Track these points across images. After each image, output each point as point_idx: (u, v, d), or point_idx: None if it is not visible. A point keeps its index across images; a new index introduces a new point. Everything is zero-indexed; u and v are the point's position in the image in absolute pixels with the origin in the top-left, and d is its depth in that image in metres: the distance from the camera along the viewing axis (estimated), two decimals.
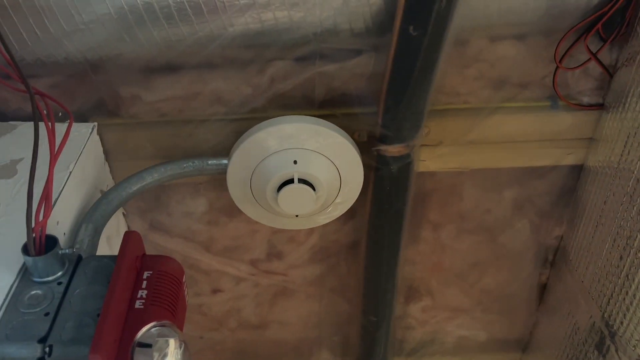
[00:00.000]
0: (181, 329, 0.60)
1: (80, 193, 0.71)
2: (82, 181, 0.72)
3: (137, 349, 0.52)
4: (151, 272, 0.59)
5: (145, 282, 0.58)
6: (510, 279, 1.01)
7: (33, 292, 0.54)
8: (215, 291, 0.98)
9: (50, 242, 0.55)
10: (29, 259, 0.53)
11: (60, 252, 0.55)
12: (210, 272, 0.95)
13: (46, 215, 0.53)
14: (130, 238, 0.59)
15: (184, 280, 0.62)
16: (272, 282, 0.98)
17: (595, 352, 0.86)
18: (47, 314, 0.52)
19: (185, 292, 0.63)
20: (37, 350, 0.49)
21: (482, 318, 1.07)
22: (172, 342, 0.54)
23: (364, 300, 1.01)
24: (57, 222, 0.63)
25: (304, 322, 1.06)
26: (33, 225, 0.52)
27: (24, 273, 0.55)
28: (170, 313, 0.57)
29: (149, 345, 0.53)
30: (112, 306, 0.51)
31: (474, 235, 0.96)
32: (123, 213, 0.88)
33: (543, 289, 1.03)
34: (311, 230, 0.93)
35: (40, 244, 0.54)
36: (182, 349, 0.55)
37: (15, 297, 0.53)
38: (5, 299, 0.52)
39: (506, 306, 1.05)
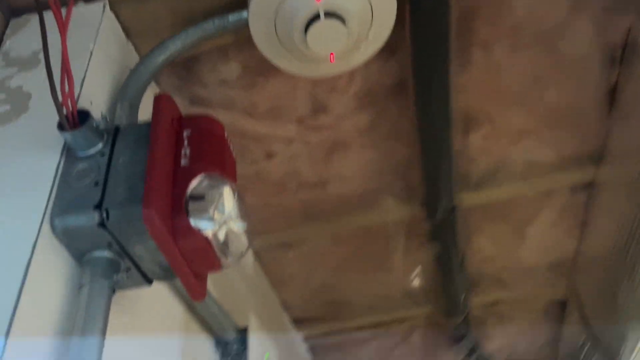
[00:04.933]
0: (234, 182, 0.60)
1: (108, 73, 0.69)
2: (106, 61, 0.70)
3: (191, 203, 0.52)
4: (191, 130, 0.58)
5: (186, 141, 0.57)
6: (576, 88, 0.93)
7: (80, 166, 0.54)
8: (269, 156, 0.97)
9: (84, 116, 0.54)
10: (67, 135, 0.53)
11: (95, 124, 0.54)
12: (259, 137, 0.94)
13: (70, 87, 0.51)
14: (160, 100, 0.58)
15: (225, 134, 0.61)
16: (323, 137, 0.96)
17: None
18: (97, 184, 0.52)
19: (231, 147, 0.62)
20: (95, 216, 0.50)
21: (548, 137, 1.01)
22: (225, 190, 0.54)
23: (420, 140, 0.98)
24: (91, 102, 0.62)
25: (363, 173, 1.05)
26: (60, 99, 0.51)
27: (68, 151, 0.55)
28: (217, 166, 0.56)
29: (201, 197, 0.52)
30: (156, 163, 0.51)
31: (530, 48, 0.88)
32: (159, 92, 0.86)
33: (613, 94, 0.94)
34: (352, 76, 0.88)
35: (74, 118, 0.53)
36: (236, 196, 0.55)
37: (64, 174, 0.53)
38: (55, 177, 0.53)
39: (574, 119, 0.98)
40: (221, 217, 0.52)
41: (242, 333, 0.88)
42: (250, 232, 0.57)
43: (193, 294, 0.57)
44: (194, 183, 0.52)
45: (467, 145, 1.02)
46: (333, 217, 1.15)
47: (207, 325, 0.84)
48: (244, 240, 0.56)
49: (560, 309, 1.54)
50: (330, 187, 1.07)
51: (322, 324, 1.49)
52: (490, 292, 1.45)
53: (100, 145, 0.55)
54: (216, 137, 0.58)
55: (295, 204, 1.09)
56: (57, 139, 0.55)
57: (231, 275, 1.04)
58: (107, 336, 0.57)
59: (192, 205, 0.52)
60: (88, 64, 0.64)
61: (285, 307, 1.40)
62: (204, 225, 0.51)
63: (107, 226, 0.50)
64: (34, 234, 0.48)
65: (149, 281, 0.58)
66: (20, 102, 0.62)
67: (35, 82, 0.64)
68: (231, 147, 0.62)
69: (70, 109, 0.53)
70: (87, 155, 0.55)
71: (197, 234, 0.51)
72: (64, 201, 0.51)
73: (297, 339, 1.49)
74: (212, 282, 0.92)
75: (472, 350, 1.61)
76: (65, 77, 0.51)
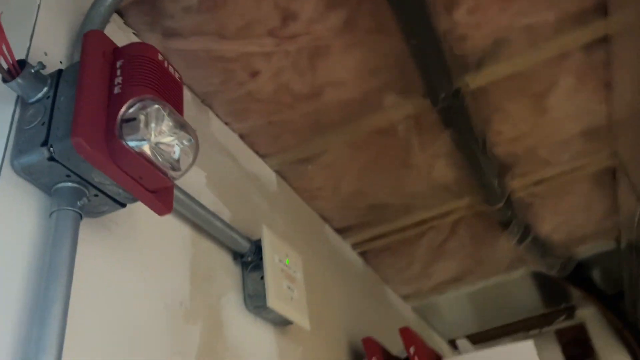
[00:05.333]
0: (178, 108, 0.63)
1: (61, 23, 0.74)
2: (59, 11, 0.74)
3: (124, 126, 0.56)
4: (123, 60, 0.61)
5: (119, 70, 0.60)
6: None
7: (30, 111, 0.60)
8: (254, 74, 0.99)
9: (22, 64, 0.59)
10: (13, 84, 0.58)
11: (33, 70, 0.59)
12: (237, 57, 0.96)
13: (3, 41, 0.56)
14: (87, 36, 0.61)
15: (159, 57, 0.63)
16: (301, 45, 0.96)
17: None
18: (43, 124, 0.57)
19: (171, 70, 0.65)
20: (44, 152, 0.56)
21: None
22: (155, 109, 0.57)
23: (401, 27, 0.95)
24: (45, 53, 0.67)
25: (355, 75, 1.05)
26: None
27: (20, 100, 0.61)
28: (150, 89, 0.59)
29: (133, 119, 0.56)
30: (83, 94, 0.55)
31: None
32: (134, 33, 0.90)
33: None
34: None
35: (15, 67, 0.58)
36: (168, 113, 0.58)
37: (19, 121, 0.60)
38: (11, 125, 0.59)
39: None
40: (153, 134, 0.56)
41: (258, 244, 0.94)
42: (194, 146, 0.61)
43: (156, 210, 0.62)
44: (124, 107, 0.56)
45: (455, 24, 0.98)
46: (340, 125, 1.16)
47: (219, 241, 0.91)
48: (185, 153, 0.60)
49: (610, 178, 1.48)
50: (326, 96, 1.07)
51: (366, 229, 1.54)
52: (529, 172, 1.41)
53: (45, 89, 0.60)
54: (148, 62, 0.61)
55: (298, 119, 1.12)
56: (10, 93, 0.61)
57: (249, 194, 1.10)
58: (115, 260, 0.65)
59: (124, 128, 0.56)
60: (36, 18, 0.69)
61: (324, 219, 1.45)
62: (137, 144, 0.55)
63: (56, 159, 0.56)
64: None
65: (121, 204, 0.64)
66: None
67: None
68: (171, 69, 0.65)
69: (10, 60, 0.58)
70: (35, 100, 0.60)
71: (131, 153, 0.55)
72: (18, 144, 0.58)
73: (344, 247, 1.55)
74: (225, 202, 0.99)
75: (524, 234, 1.59)
76: None
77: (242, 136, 1.15)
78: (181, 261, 0.81)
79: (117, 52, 0.62)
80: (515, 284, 2.00)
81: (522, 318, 2.27)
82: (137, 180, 0.58)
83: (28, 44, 0.66)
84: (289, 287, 0.96)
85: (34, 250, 0.56)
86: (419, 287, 1.90)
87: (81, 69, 0.58)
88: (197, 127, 1.01)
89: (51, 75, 0.61)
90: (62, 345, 0.50)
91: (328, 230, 1.48)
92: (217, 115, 1.07)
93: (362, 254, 1.64)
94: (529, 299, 2.17)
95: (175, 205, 0.80)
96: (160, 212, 0.63)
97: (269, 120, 1.11)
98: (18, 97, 0.61)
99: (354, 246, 1.60)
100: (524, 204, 1.51)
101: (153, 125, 0.57)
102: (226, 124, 1.11)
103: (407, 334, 1.26)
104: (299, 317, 0.97)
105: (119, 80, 0.59)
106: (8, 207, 0.55)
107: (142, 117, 0.56)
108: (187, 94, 0.98)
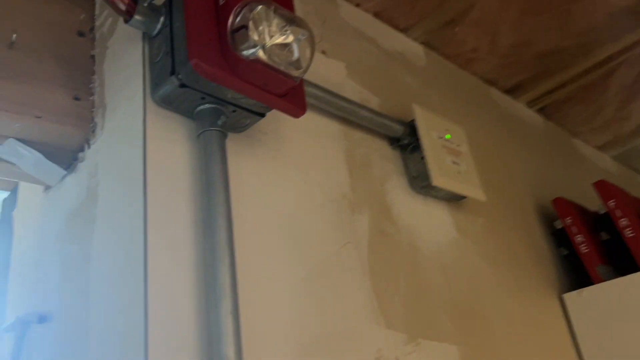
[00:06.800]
0: (286, 3, 0.60)
1: None
2: None
3: (235, 36, 0.55)
4: None
5: None
6: None
7: (155, 44, 0.62)
8: None
9: (135, 0, 0.61)
10: (133, 22, 0.61)
11: (145, 3, 0.61)
12: None
13: None
14: None
15: None
16: None
17: None
18: (167, 53, 0.59)
19: None
20: (174, 81, 0.58)
21: None
22: (261, 11, 0.55)
23: None
24: None
25: None
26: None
27: (147, 37, 0.64)
28: None
29: (242, 27, 0.55)
30: (191, 13, 0.55)
31: None
32: None
33: None
34: None
35: (129, 5, 0.60)
36: (276, 13, 0.56)
37: (150, 56, 0.63)
38: (143, 61, 0.62)
39: None
40: (267, 37, 0.54)
41: (413, 124, 0.89)
42: (310, 39, 0.58)
43: (290, 112, 0.62)
44: (231, 18, 0.55)
45: None
46: None
47: (371, 130, 0.88)
48: (303, 47, 0.57)
49: None
50: None
51: (540, 82, 1.37)
52: None
53: (162, 19, 0.62)
54: None
55: None
56: (136, 32, 0.64)
57: (395, 75, 1.04)
58: (271, 168, 0.68)
59: (236, 38, 0.55)
60: None
61: (487, 82, 1.33)
62: (251, 52, 0.54)
63: (187, 84, 0.58)
64: (140, 110, 0.60)
65: (260, 114, 0.65)
66: None
67: None
68: None
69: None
70: (157, 32, 0.62)
71: (248, 62, 0.54)
72: (153, 78, 0.61)
73: (517, 107, 1.42)
74: (371, 88, 0.95)
75: None
76: None
77: (376, 14, 1.08)
78: (336, 156, 0.81)
79: None
80: None
81: None
82: (262, 88, 0.58)
83: None
84: (454, 162, 0.91)
85: (192, 169, 0.60)
86: (616, 133, 1.68)
87: None
88: (324, 16, 0.97)
89: (164, 3, 0.63)
90: (233, 250, 0.55)
91: (494, 92, 1.36)
92: None
93: (541, 110, 1.48)
94: None
95: (317, 103, 0.79)
96: (295, 114, 0.63)
97: None
98: (143, 34, 0.64)
99: (530, 104, 1.45)
100: None
101: (263, 28, 0.55)
102: (357, 5, 1.04)
103: (603, 187, 1.13)
104: (471, 190, 0.93)
105: None
106: (161, 137, 0.60)
107: (250, 24, 0.55)
108: None
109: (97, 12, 0.75)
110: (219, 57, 0.55)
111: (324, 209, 0.74)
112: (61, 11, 0.71)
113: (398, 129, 0.90)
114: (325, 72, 0.88)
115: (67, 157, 0.70)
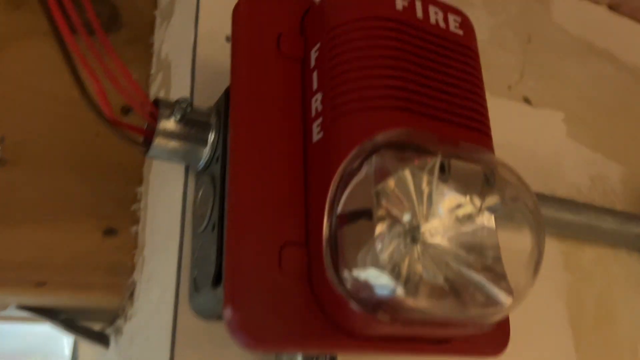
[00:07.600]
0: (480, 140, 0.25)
1: None
2: None
3: (343, 236, 0.22)
4: (320, 42, 0.26)
5: (315, 72, 0.25)
6: None
7: (200, 193, 0.31)
8: None
9: (156, 104, 0.30)
10: (155, 149, 0.30)
11: (175, 114, 0.29)
12: None
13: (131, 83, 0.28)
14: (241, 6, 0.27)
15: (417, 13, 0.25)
16: None
17: None
18: (214, 228, 0.28)
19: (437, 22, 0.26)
20: (218, 296, 0.27)
21: None
22: (407, 176, 0.21)
23: None
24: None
25: None
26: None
27: (190, 173, 0.33)
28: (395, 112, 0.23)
29: (362, 213, 0.22)
30: (235, 204, 0.23)
31: None
32: None
33: None
34: None
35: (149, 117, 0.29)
36: (450, 175, 0.21)
37: (192, 215, 0.31)
38: (182, 222, 0.31)
39: None
40: (417, 254, 0.20)
41: None
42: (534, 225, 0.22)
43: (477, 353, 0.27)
44: (330, 193, 0.21)
45: None
46: None
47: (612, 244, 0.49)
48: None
49: None
50: None
51: None
52: None
53: (212, 137, 0.30)
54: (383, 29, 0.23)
55: None
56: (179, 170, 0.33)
57: None
58: None
59: (345, 247, 0.21)
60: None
61: None
62: (382, 291, 0.20)
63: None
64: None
65: None
66: None
67: None
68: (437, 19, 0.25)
69: (145, 108, 0.29)
70: (204, 164, 0.31)
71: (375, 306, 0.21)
72: (196, 268, 0.30)
73: None
74: (609, 150, 0.54)
75: None
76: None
77: (611, 7, 0.64)
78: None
79: (310, 21, 0.26)
80: None
81: None
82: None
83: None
84: None
85: None
86: None
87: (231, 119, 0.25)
88: (529, 26, 0.57)
89: (216, 111, 0.30)
90: None
91: None
92: None
93: None
94: None
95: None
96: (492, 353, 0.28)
97: None
98: (186, 173, 0.33)
99: None
100: None
101: (415, 219, 0.20)
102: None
103: None
104: None
105: (317, 104, 0.24)
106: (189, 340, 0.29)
107: (380, 210, 0.21)
108: None
109: None
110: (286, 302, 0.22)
111: None
112: None
113: None
114: (528, 139, 0.50)
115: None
